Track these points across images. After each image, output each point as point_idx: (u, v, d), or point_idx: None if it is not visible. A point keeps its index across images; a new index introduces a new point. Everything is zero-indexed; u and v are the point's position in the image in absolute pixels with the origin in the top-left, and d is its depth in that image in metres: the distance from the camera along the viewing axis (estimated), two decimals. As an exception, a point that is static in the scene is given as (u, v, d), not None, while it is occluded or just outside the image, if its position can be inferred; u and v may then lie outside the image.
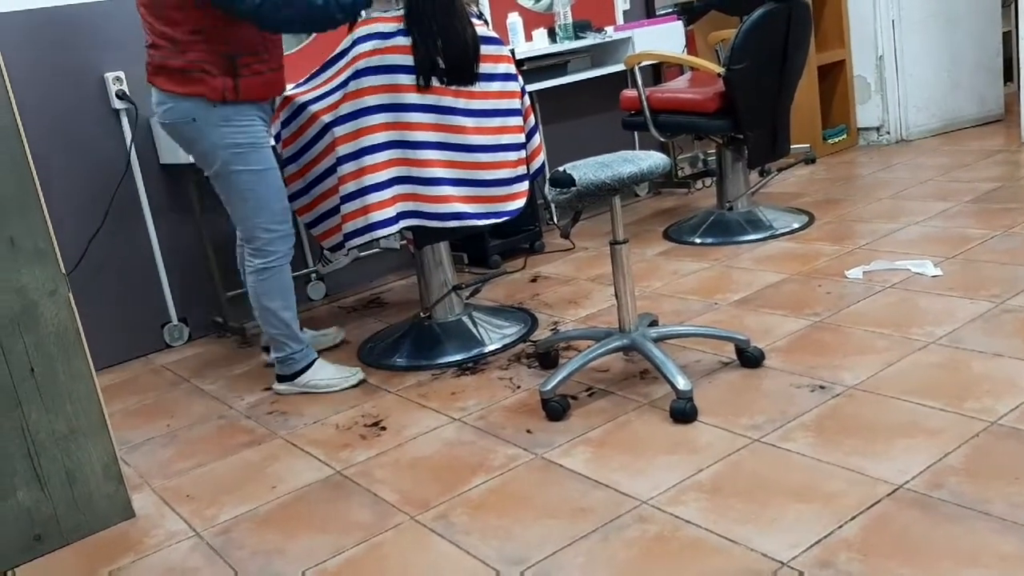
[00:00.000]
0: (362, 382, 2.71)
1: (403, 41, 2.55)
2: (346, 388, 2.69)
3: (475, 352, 2.80)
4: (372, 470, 2.16)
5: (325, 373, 2.71)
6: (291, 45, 3.50)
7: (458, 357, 2.79)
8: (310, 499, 2.08)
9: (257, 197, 2.55)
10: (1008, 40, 5.24)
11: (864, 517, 1.66)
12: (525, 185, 2.81)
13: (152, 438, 2.58)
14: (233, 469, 2.30)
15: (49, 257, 1.93)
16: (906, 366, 2.26)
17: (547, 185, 2.27)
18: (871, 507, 1.68)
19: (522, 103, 2.80)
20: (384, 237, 2.68)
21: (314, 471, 2.21)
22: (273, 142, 2.69)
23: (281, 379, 2.74)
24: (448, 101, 2.62)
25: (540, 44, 4.06)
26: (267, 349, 2.92)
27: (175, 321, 3.41)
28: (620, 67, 4.06)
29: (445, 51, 2.57)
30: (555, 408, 2.27)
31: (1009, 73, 5.39)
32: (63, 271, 1.96)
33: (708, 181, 4.65)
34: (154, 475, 2.33)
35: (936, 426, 1.94)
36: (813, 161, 4.81)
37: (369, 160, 2.57)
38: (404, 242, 3.03)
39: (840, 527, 1.64)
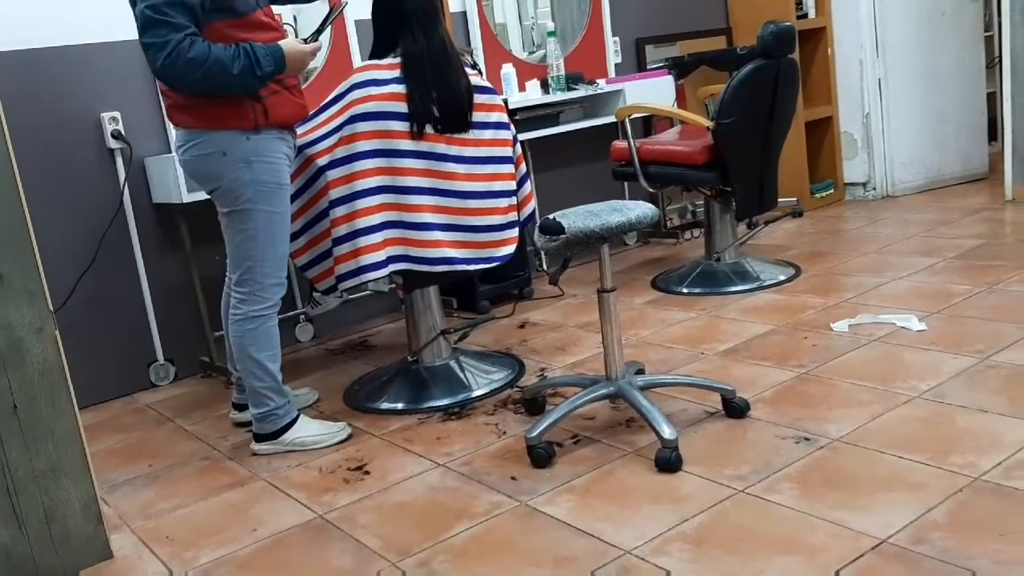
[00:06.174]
0: (350, 437, 2.61)
1: (398, 89, 2.59)
2: (334, 444, 2.57)
3: (462, 397, 2.80)
4: (354, 515, 2.15)
5: (311, 429, 2.59)
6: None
7: (444, 401, 2.78)
8: (290, 543, 2.05)
9: (268, 238, 2.45)
10: (992, 100, 5.36)
11: (848, 571, 1.65)
12: (515, 232, 2.83)
13: (134, 478, 2.56)
14: (214, 511, 2.28)
15: (37, 295, 1.93)
16: (890, 420, 2.27)
17: (537, 232, 2.29)
18: (855, 560, 1.68)
19: (514, 151, 2.84)
20: (374, 280, 2.69)
21: (295, 514, 2.19)
22: None
23: (261, 438, 2.56)
24: (441, 148, 2.65)
25: (533, 95, 4.12)
26: (239, 407, 2.82)
27: (161, 360, 3.39)
28: (611, 119, 4.12)
29: (439, 100, 2.61)
30: (541, 455, 2.26)
31: (993, 132, 5.49)
32: (51, 309, 1.96)
33: (696, 232, 4.69)
34: (134, 516, 2.31)
35: (919, 480, 1.94)
36: (800, 214, 4.87)
37: (361, 204, 2.59)
38: (393, 286, 3.05)
39: (823, 580, 1.63)
